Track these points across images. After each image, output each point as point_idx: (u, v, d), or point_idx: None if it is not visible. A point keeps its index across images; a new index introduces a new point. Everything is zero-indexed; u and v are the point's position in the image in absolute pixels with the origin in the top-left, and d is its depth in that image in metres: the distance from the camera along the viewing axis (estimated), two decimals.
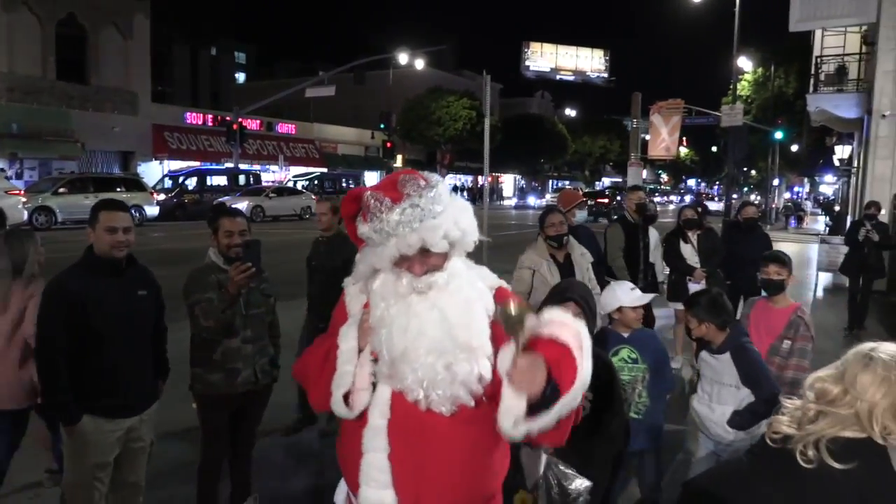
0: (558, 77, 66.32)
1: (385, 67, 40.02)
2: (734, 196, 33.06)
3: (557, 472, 2.57)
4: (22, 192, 18.34)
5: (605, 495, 3.17)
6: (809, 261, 16.12)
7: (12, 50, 27.02)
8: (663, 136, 23.20)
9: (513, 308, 1.56)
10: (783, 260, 3.84)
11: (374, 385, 1.71)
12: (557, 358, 1.61)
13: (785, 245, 23.18)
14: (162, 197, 26.10)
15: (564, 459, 2.57)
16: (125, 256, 2.85)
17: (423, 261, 1.67)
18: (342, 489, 1.86)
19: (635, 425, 3.16)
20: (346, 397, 1.71)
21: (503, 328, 1.59)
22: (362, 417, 1.71)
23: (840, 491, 1.54)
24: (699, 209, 7.47)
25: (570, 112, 67.53)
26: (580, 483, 2.58)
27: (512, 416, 1.59)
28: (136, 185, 24.15)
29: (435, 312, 1.65)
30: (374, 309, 1.69)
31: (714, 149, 57.46)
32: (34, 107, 27.38)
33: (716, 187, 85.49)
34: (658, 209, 29.23)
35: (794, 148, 40.88)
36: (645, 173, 72.63)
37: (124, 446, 2.89)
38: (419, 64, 34.37)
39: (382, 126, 40.00)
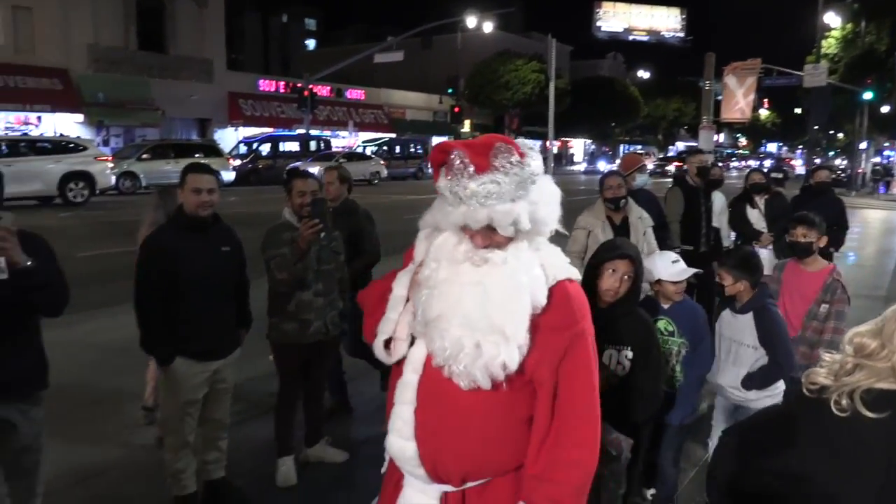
0: (631, 37, 64.26)
1: (453, 31, 39.81)
2: (816, 160, 31.56)
3: (602, 431, 2.59)
4: (110, 157, 19.35)
5: (649, 458, 3.22)
6: (892, 228, 15.41)
7: (96, 22, 28.28)
8: (737, 98, 22.29)
9: None
10: (812, 221, 3.72)
11: (413, 339, 1.75)
12: None
13: (868, 212, 22.10)
14: (237, 162, 27.05)
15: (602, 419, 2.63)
16: (210, 215, 3.13)
17: (487, 235, 1.64)
18: None
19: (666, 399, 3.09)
20: (388, 343, 1.77)
21: None
22: (400, 369, 1.77)
23: (869, 437, 1.63)
24: (772, 174, 7.32)
25: (643, 74, 65.35)
26: (623, 442, 2.59)
27: None
28: (213, 150, 25.04)
29: (479, 288, 1.63)
30: (426, 266, 1.71)
31: (797, 111, 54.68)
32: (117, 76, 28.66)
33: (798, 151, 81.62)
34: (732, 174, 28.30)
35: (885, 109, 38.46)
36: (721, 137, 70.07)
37: (211, 387, 3.22)
38: (487, 27, 34.02)
39: (450, 91, 40.03)
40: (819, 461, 1.69)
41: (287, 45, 72.63)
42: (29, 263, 2.32)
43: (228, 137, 32.99)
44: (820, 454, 1.71)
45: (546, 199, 1.69)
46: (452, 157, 1.62)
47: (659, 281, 3.18)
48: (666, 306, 3.20)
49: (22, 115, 26.56)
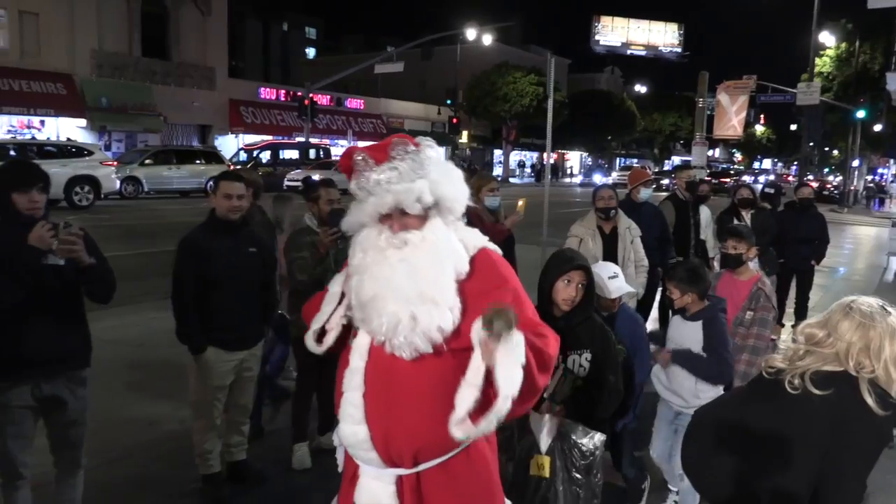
0: (629, 52, 64.90)
1: (452, 43, 40.19)
2: (809, 177, 31.98)
3: (570, 430, 2.69)
4: (115, 162, 19.63)
5: (615, 446, 3.35)
6: (883, 245, 15.78)
7: (101, 28, 28.60)
8: (730, 115, 22.75)
9: (497, 313, 1.58)
10: (741, 234, 3.90)
11: (352, 330, 1.90)
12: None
13: (861, 228, 22.53)
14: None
15: (572, 418, 2.71)
16: (239, 219, 3.45)
17: (401, 220, 1.80)
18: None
19: None
20: (321, 337, 1.94)
21: (485, 324, 1.61)
22: (346, 360, 1.90)
23: (816, 411, 1.96)
24: (765, 189, 7.69)
25: (640, 88, 65.94)
26: (594, 438, 2.72)
27: (459, 411, 1.65)
28: (215, 157, 25.28)
29: (405, 265, 1.76)
30: (353, 258, 1.86)
31: (793, 127, 55.30)
32: (121, 82, 28.98)
33: (794, 167, 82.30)
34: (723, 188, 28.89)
35: (878, 127, 39.05)
36: (717, 152, 70.62)
37: (237, 374, 3.53)
38: (486, 40, 34.47)
39: (449, 102, 40.45)
40: (770, 433, 2.03)
41: (287, 54, 73.01)
42: (91, 261, 2.66)
43: (229, 144, 33.30)
44: (770, 427, 2.05)
45: (449, 178, 1.85)
46: (356, 158, 1.83)
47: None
48: (605, 314, 3.22)
49: (25, 119, 26.83)
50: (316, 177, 25.69)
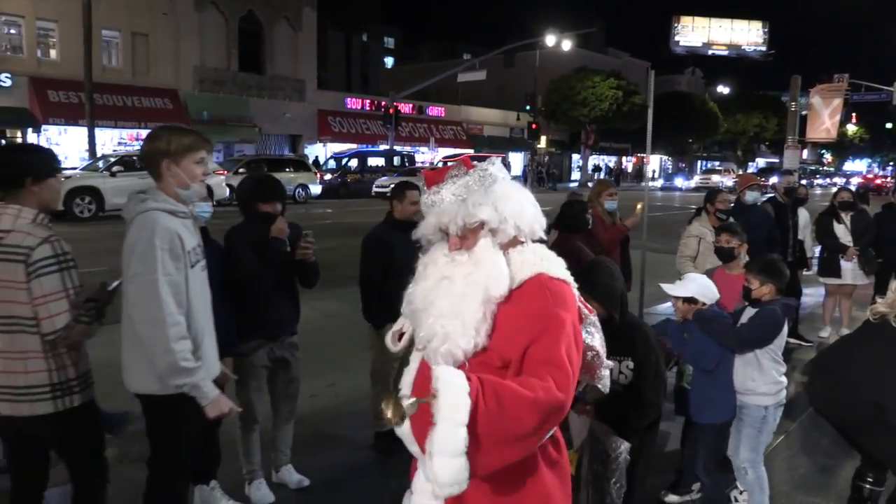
0: (710, 52, 63.43)
1: (531, 49, 40.71)
2: None
3: (601, 433, 2.79)
4: (225, 171, 21.11)
5: (639, 457, 3.31)
6: None
7: (203, 45, 30.69)
8: (823, 118, 22.31)
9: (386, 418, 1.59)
10: (734, 230, 4.20)
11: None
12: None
13: None
14: (329, 176, 28.70)
15: (607, 422, 2.81)
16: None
17: (453, 240, 1.88)
18: None
19: (684, 395, 3.45)
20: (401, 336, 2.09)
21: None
22: (406, 360, 2.05)
23: None
24: (858, 191, 7.93)
25: (723, 89, 64.45)
26: (620, 444, 2.83)
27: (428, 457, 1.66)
28: (303, 165, 26.55)
29: (445, 283, 1.84)
30: (418, 266, 1.97)
31: (889, 126, 52.88)
32: (220, 96, 30.98)
33: (890, 168, 78.19)
34: (815, 192, 28.25)
35: None
36: (806, 153, 68.07)
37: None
38: (566, 45, 34.86)
39: (528, 108, 40.93)
40: (883, 358, 2.60)
41: (367, 63, 75.15)
42: (314, 260, 3.55)
43: (317, 152, 34.93)
44: (882, 354, 2.64)
45: (501, 200, 1.85)
46: (423, 177, 1.96)
47: (688, 300, 3.39)
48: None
49: (134, 133, 29.01)
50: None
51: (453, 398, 1.61)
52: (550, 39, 31.81)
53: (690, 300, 3.37)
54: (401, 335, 2.09)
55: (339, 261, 6.96)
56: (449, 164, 2.03)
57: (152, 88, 29.00)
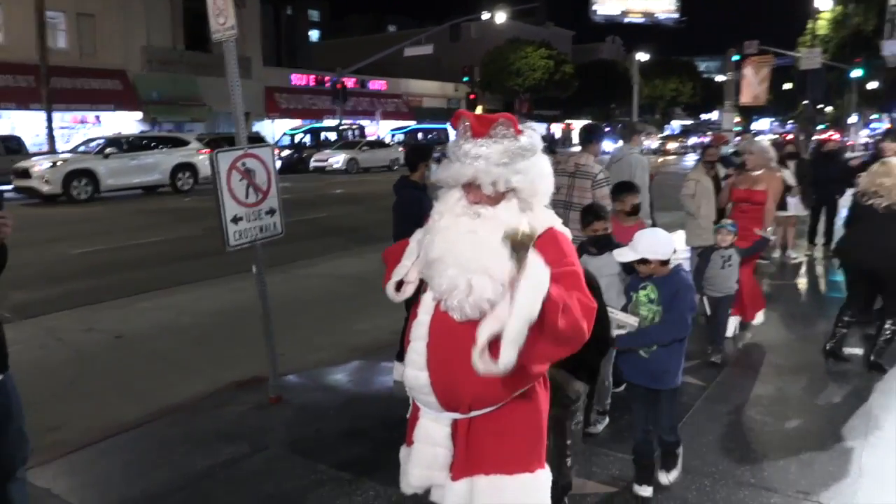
0: (627, 20, 66.50)
1: (467, 21, 42.14)
2: (810, 136, 34.34)
3: (561, 379, 2.79)
4: (210, 150, 21.71)
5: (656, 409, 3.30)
6: None
7: (149, 25, 30.69)
8: (754, 86, 25.45)
9: (518, 234, 1.71)
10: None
11: (423, 284, 2.02)
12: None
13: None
14: (286, 153, 29.58)
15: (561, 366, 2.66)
16: None
17: (477, 192, 1.89)
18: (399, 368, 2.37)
19: (641, 364, 3.19)
20: (399, 285, 2.07)
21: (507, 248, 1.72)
22: (415, 312, 2.04)
23: None
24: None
25: (642, 56, 67.89)
26: (578, 386, 2.95)
27: (481, 339, 1.74)
28: (259, 141, 27.25)
29: (473, 236, 1.85)
30: (432, 216, 1.98)
31: (787, 86, 57.30)
32: (169, 75, 31.08)
33: (789, 125, 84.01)
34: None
35: (872, 85, 41.33)
36: (716, 115, 72.71)
37: None
38: (500, 18, 36.47)
39: (466, 79, 42.50)
40: None
41: (294, 37, 74.43)
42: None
43: (266, 129, 35.51)
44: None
45: (536, 172, 1.93)
46: (461, 122, 1.93)
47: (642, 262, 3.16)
48: (654, 275, 3.19)
49: (78, 115, 28.84)
50: (340, 157, 27.85)
51: (537, 274, 1.70)
52: (500, 17, 33.20)
53: (643, 262, 3.15)
54: (399, 284, 2.10)
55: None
56: (496, 121, 1.93)
57: (101, 70, 28.92)
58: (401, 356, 4.30)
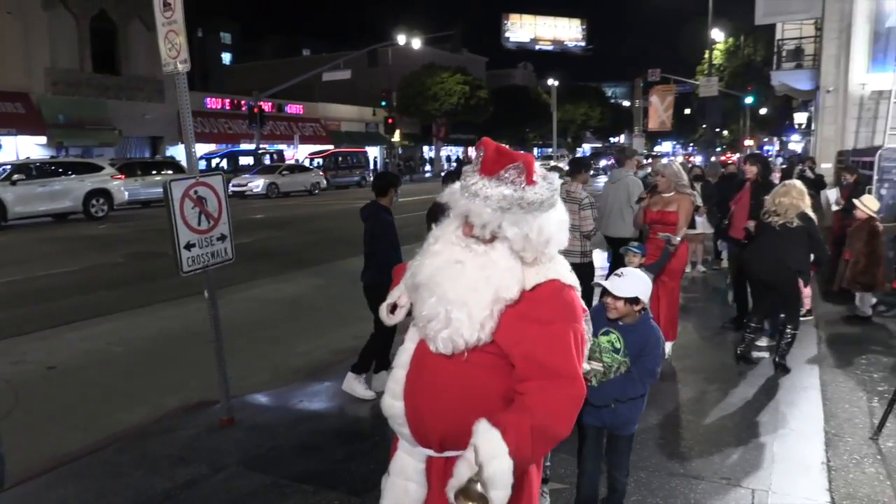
0: (537, 47, 69.11)
1: (385, 46, 42.69)
2: (710, 158, 36.69)
3: None
4: (123, 176, 20.85)
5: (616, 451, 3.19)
6: None
7: (54, 46, 29.43)
8: (660, 112, 27.07)
9: (469, 491, 1.60)
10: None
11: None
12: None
13: None
14: None
15: None
16: None
17: (469, 227, 1.81)
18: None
19: (605, 412, 3.05)
20: (394, 308, 2.06)
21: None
22: (402, 339, 2.00)
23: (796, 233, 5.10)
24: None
25: (553, 82, 70.53)
26: None
27: (456, 481, 1.66)
28: (176, 167, 26.60)
29: (457, 267, 1.79)
30: (427, 239, 1.93)
31: (687, 111, 61.01)
32: (75, 98, 29.85)
33: (690, 148, 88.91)
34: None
35: (763, 111, 44.67)
36: (623, 138, 76.32)
37: None
38: (416, 44, 37.18)
39: (384, 103, 42.98)
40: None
41: (205, 60, 73.02)
42: None
43: (179, 154, 34.55)
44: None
45: (535, 227, 1.77)
46: (478, 151, 1.82)
47: (612, 296, 2.96)
48: (621, 322, 3.02)
49: None
50: (260, 182, 27.44)
51: (499, 470, 1.64)
52: (416, 43, 33.79)
53: (633, 300, 2.97)
54: (393, 307, 2.07)
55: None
56: (513, 161, 1.79)
57: (1, 92, 27.51)
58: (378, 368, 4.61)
